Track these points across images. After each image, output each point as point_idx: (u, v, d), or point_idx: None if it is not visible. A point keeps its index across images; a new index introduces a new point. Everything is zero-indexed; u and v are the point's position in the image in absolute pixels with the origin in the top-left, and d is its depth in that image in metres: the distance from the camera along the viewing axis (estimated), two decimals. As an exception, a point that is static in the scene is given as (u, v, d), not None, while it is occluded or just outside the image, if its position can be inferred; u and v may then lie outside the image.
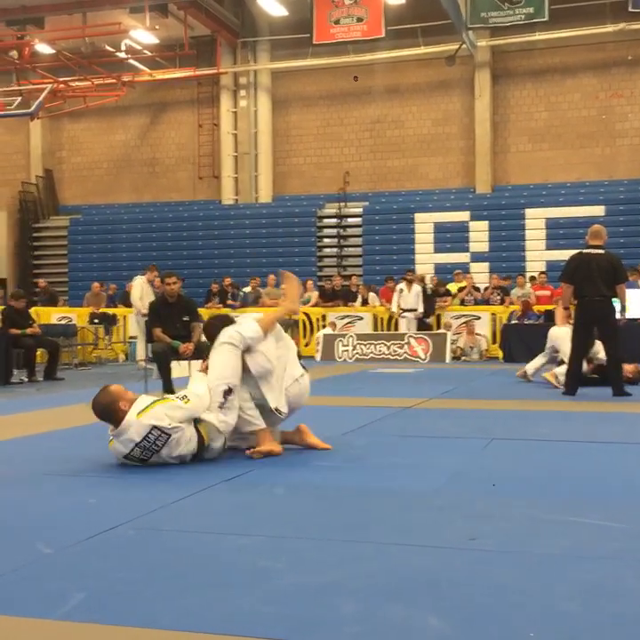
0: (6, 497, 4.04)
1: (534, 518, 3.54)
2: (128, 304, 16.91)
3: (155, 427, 4.57)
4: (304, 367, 5.28)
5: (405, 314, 16.30)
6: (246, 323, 5.08)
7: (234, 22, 22.63)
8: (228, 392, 4.85)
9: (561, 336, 9.96)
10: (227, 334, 4.97)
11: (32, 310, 14.41)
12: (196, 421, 4.78)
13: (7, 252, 24.76)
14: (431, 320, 16.68)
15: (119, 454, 4.68)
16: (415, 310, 16.29)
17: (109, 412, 4.63)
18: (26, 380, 11.53)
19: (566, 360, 9.58)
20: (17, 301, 12.17)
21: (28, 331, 11.80)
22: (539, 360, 10.54)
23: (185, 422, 4.71)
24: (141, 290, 13.50)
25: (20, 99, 20.24)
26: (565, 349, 9.65)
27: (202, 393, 4.85)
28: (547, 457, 5.13)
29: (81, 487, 4.24)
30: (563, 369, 9.55)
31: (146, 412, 4.58)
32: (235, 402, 4.89)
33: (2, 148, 25.68)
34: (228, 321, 5.25)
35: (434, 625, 2.33)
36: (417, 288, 16.38)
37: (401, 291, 16.40)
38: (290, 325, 17.40)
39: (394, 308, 16.49)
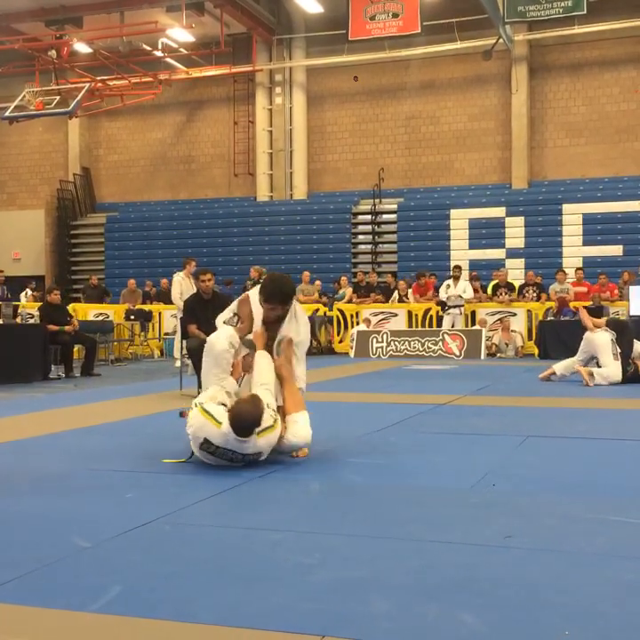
0: (45, 491, 4.09)
1: (571, 516, 3.50)
2: (165, 301, 17.08)
3: (261, 453, 4.48)
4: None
5: (450, 310, 16.20)
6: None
7: (269, 19, 22.67)
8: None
9: (600, 344, 9.63)
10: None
11: (70, 306, 14.56)
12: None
13: (45, 249, 25.08)
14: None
15: (211, 438, 4.38)
16: (462, 306, 16.20)
17: (254, 428, 4.40)
18: (63, 375, 11.67)
19: (606, 365, 9.48)
20: (50, 295, 12.29)
21: (66, 328, 11.89)
22: (571, 364, 10.07)
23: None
24: (180, 287, 13.19)
25: (58, 98, 20.43)
26: (605, 359, 9.51)
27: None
28: (583, 454, 5.08)
29: (118, 482, 4.28)
30: (603, 371, 9.44)
31: (263, 435, 4.44)
32: None
33: (41, 147, 26.01)
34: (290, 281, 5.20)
35: (468, 622, 2.32)
36: (463, 284, 16.31)
37: (448, 286, 16.31)
38: (323, 323, 17.42)
39: (442, 297, 16.33)
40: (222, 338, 4.87)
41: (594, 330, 9.85)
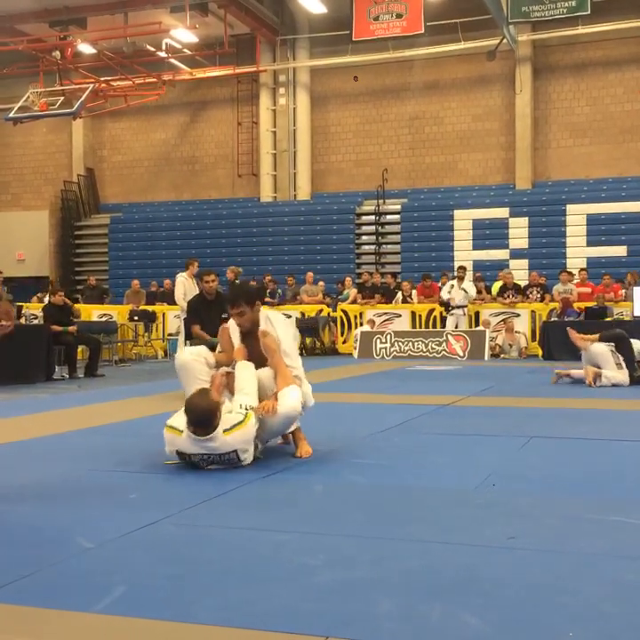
0: (48, 492, 4.10)
1: (574, 517, 3.50)
2: (169, 302, 17.05)
3: (236, 451, 4.45)
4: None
5: (454, 311, 16.18)
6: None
7: (273, 20, 22.68)
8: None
9: (599, 354, 9.54)
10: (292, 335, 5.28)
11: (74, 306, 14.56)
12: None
13: (49, 250, 25.09)
14: None
15: (181, 448, 4.46)
16: (465, 307, 16.19)
17: (209, 420, 4.39)
18: (67, 376, 11.69)
19: (611, 371, 9.45)
20: (54, 296, 12.32)
21: (70, 329, 11.91)
22: (578, 372, 9.97)
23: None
24: (184, 288, 13.12)
25: (62, 98, 20.45)
26: (610, 368, 9.47)
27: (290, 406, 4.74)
28: (586, 455, 5.07)
29: (122, 482, 4.29)
30: (609, 374, 9.39)
31: (232, 432, 4.42)
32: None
33: (45, 148, 26.05)
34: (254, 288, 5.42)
35: (472, 623, 2.32)
36: (467, 285, 16.29)
37: (452, 287, 16.29)
38: (326, 323, 17.41)
39: (445, 297, 16.28)
40: (186, 351, 5.25)
41: (587, 347, 9.74)
